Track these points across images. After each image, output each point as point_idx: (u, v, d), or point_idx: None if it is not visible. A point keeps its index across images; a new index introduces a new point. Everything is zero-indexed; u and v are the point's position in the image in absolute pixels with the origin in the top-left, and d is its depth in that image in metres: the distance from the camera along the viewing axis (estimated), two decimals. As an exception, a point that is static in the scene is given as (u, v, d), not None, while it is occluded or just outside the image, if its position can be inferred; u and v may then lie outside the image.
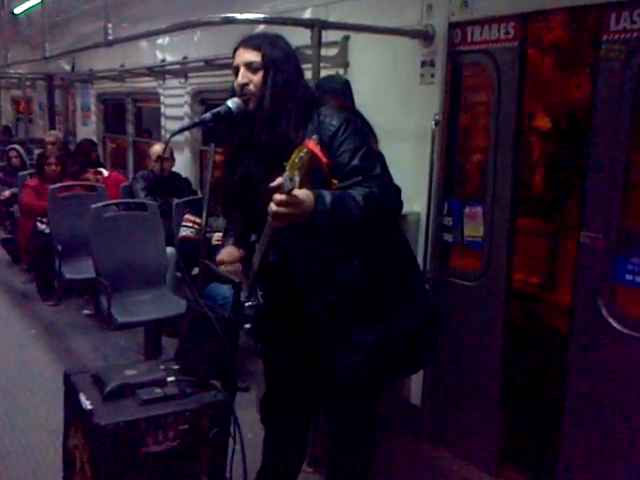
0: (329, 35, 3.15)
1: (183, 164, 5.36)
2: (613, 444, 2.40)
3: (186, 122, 5.27)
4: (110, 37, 4.75)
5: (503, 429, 2.89)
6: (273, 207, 1.59)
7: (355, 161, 1.79)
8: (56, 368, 3.81)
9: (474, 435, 2.94)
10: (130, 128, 6.89)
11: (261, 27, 3.14)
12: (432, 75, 2.93)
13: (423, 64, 2.96)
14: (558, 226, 3.03)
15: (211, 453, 2.04)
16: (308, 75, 2.32)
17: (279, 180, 1.57)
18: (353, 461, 2.11)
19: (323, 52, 2.82)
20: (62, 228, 4.69)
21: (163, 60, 5.71)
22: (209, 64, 4.65)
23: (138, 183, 4.87)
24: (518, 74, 2.65)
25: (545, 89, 2.98)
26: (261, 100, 1.85)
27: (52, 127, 8.95)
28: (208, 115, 1.90)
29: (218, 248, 3.94)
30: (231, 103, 1.89)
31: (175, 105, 5.60)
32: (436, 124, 2.87)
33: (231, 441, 2.07)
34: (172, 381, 2.07)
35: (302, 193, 1.59)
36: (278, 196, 1.58)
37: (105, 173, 5.77)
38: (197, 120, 1.99)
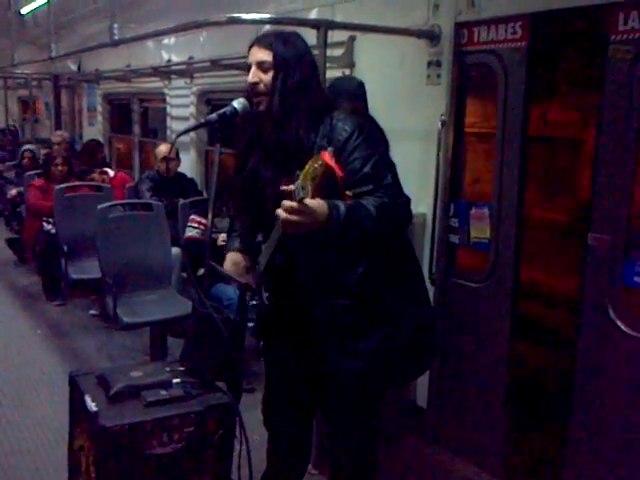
0: (335, 35, 3.15)
1: (189, 165, 5.37)
2: (620, 446, 2.38)
3: (192, 122, 5.27)
4: (116, 37, 4.77)
5: (509, 431, 2.87)
6: (282, 214, 1.58)
7: (367, 169, 1.77)
8: (62, 368, 3.83)
9: (480, 437, 2.93)
10: (136, 128, 6.90)
11: (267, 27, 3.13)
12: (438, 75, 2.92)
13: (429, 64, 2.95)
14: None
15: (216, 455, 2.04)
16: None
17: (291, 187, 1.56)
18: (355, 463, 2.10)
19: (329, 52, 2.81)
20: (68, 228, 4.70)
21: (169, 60, 5.72)
22: (215, 64, 4.65)
23: (144, 184, 4.87)
24: (525, 74, 2.63)
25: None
26: (271, 100, 1.83)
27: (58, 127, 8.98)
28: (214, 116, 1.89)
29: (223, 249, 3.95)
30: (237, 104, 1.88)
31: (181, 105, 5.60)
32: (442, 125, 2.86)
33: (237, 443, 2.06)
34: (177, 383, 2.06)
35: (314, 202, 1.57)
36: (288, 203, 1.56)
37: (111, 173, 5.78)
38: (203, 121, 1.99)
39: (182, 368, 2.16)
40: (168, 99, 5.86)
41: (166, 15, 5.26)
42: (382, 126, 2.07)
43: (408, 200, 1.84)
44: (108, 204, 4.09)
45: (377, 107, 2.71)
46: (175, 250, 4.18)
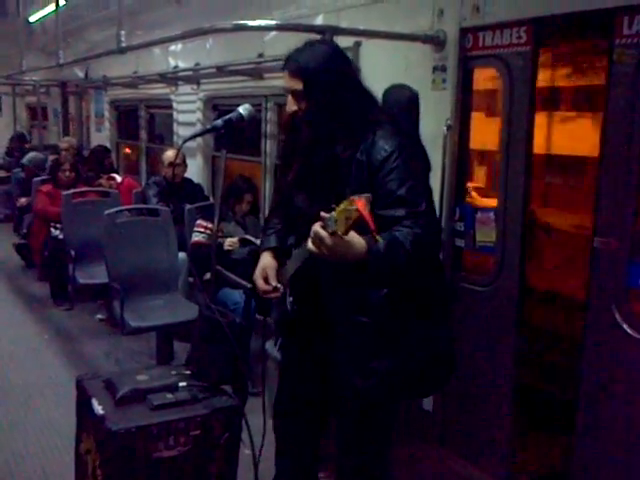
0: (341, 41, 3.15)
1: (195, 170, 5.39)
2: (627, 448, 2.37)
3: (198, 128, 5.29)
4: (123, 44, 4.80)
5: (514, 435, 2.87)
6: (312, 246, 1.59)
7: (402, 191, 1.76)
8: (68, 372, 3.84)
9: (486, 441, 2.92)
10: (143, 134, 6.94)
11: (273, 33, 3.16)
12: (444, 80, 2.92)
13: (435, 69, 2.96)
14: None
15: (222, 458, 2.04)
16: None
17: (326, 215, 1.54)
18: (364, 474, 2.08)
19: (335, 58, 2.82)
20: (76, 233, 4.73)
21: (175, 67, 5.75)
22: (221, 70, 4.67)
23: (151, 189, 4.90)
24: (530, 79, 2.64)
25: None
26: (309, 126, 1.85)
27: (66, 133, 9.03)
28: (219, 122, 1.91)
29: (232, 253, 3.94)
30: (243, 109, 1.90)
31: (187, 111, 5.63)
32: (448, 129, 2.87)
33: (242, 446, 2.07)
34: (183, 386, 2.07)
35: (353, 237, 1.58)
36: (321, 231, 1.56)
37: (118, 179, 5.81)
38: (209, 126, 2.00)
39: (188, 372, 2.17)
40: (175, 105, 5.89)
41: (172, 22, 5.29)
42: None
43: (440, 229, 1.83)
44: (115, 209, 4.12)
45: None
46: (182, 255, 4.20)
